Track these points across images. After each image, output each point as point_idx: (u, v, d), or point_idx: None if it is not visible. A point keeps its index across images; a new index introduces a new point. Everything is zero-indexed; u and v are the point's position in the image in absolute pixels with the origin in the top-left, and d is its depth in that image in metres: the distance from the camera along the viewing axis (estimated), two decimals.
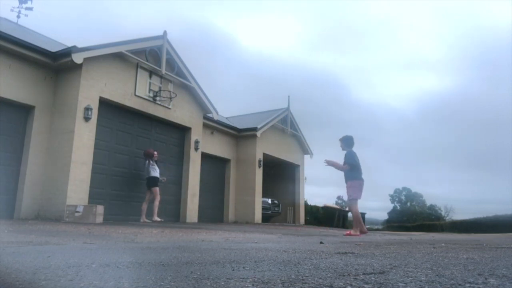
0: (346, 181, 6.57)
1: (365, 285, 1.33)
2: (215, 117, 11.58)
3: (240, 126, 13.63)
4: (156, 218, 8.53)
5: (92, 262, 1.87)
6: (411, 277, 1.50)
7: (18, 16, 12.33)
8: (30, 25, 11.10)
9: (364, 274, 1.59)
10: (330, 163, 6.68)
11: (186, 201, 10.25)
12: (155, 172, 8.70)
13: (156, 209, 8.63)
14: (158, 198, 8.65)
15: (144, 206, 8.58)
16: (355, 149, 6.74)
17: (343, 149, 6.75)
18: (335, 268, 1.78)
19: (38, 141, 7.55)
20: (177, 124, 10.28)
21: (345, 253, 2.59)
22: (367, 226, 19.06)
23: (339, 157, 6.82)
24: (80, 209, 6.82)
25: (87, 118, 7.64)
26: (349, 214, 18.73)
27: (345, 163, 6.58)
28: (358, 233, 6.48)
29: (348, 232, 6.67)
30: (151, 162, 8.69)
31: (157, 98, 9.46)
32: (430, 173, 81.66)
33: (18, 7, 12.53)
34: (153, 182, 8.63)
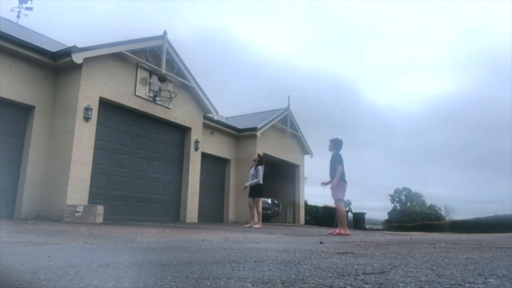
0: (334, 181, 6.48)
1: (365, 285, 1.33)
2: (215, 117, 11.58)
3: (240, 126, 13.63)
4: (255, 225, 8.46)
5: (92, 262, 1.87)
6: (411, 277, 1.50)
7: (18, 16, 12.34)
8: (30, 25, 11.12)
9: (364, 274, 1.59)
10: (327, 183, 6.58)
11: (186, 201, 10.25)
12: (252, 178, 8.78)
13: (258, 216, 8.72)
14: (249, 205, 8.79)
15: (252, 212, 8.68)
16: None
17: (330, 150, 6.72)
18: (335, 268, 1.78)
19: (38, 141, 7.55)
20: (177, 124, 10.28)
21: (345, 253, 2.59)
22: (368, 226, 19.06)
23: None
24: (80, 209, 6.82)
25: (87, 118, 7.64)
26: (349, 214, 18.73)
27: (335, 167, 6.46)
28: (348, 231, 6.39)
29: (337, 231, 6.32)
30: (253, 168, 8.80)
31: (157, 98, 9.46)
32: (430, 173, 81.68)
33: (18, 7, 12.53)
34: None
